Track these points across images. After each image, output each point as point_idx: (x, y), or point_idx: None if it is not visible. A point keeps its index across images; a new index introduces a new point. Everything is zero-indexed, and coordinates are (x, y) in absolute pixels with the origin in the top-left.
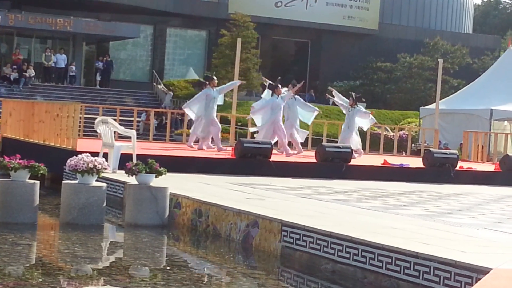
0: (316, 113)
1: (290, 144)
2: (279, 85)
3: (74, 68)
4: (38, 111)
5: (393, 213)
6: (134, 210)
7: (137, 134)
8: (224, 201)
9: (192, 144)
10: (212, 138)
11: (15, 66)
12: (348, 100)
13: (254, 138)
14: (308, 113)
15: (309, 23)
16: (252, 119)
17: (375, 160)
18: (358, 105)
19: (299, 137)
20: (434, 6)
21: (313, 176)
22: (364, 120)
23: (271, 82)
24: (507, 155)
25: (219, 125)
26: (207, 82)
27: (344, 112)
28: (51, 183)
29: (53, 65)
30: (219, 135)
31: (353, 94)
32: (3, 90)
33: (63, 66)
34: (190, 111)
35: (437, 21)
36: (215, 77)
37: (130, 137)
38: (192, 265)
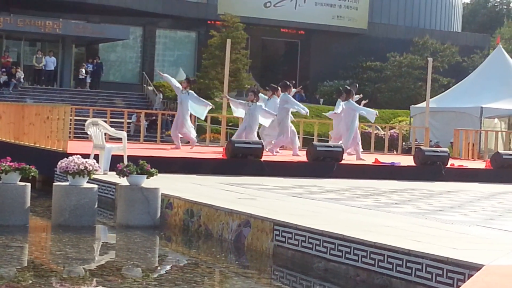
0: (209, 107)
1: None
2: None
3: (84, 71)
4: (28, 114)
5: (384, 211)
6: (126, 211)
7: (128, 136)
8: (215, 201)
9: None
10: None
11: (4, 69)
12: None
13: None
14: (200, 108)
15: (298, 23)
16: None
17: (366, 158)
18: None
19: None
20: (423, 5)
21: (305, 175)
22: (267, 120)
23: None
24: (498, 152)
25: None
26: (278, 88)
27: (243, 109)
28: (42, 185)
29: (42, 67)
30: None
31: (253, 87)
32: None
33: (53, 68)
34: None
35: (426, 20)
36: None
37: (120, 139)
38: (185, 265)
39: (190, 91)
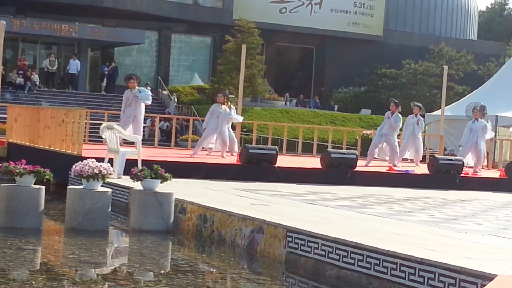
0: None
1: None
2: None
3: (149, 88)
4: (43, 117)
5: (398, 219)
6: (139, 216)
7: (142, 140)
8: (229, 207)
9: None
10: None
11: (21, 72)
12: None
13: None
14: None
15: (314, 29)
16: None
17: (380, 166)
18: None
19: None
20: (438, 13)
21: (318, 182)
22: None
23: None
24: None
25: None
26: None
27: None
28: (56, 188)
29: (55, 70)
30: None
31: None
32: (9, 96)
33: (75, 72)
34: None
35: (441, 28)
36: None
37: (135, 143)
38: (197, 271)
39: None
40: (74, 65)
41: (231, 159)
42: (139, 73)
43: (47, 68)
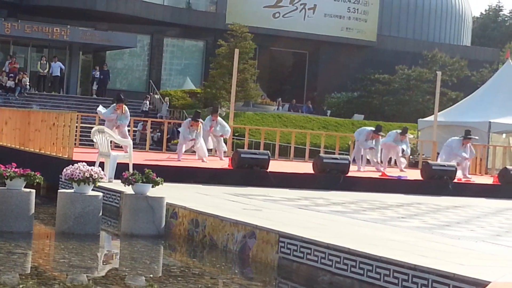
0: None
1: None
2: None
3: (148, 103)
4: (34, 120)
5: (391, 225)
6: (131, 220)
7: (134, 144)
8: (221, 212)
9: None
10: None
11: (12, 75)
12: None
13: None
14: None
15: (307, 34)
16: None
17: (373, 172)
18: None
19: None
20: (432, 19)
21: (311, 187)
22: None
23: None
24: (506, 168)
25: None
26: None
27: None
28: (47, 192)
29: (47, 74)
30: None
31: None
32: None
33: (58, 74)
34: None
35: (435, 34)
36: None
37: (125, 146)
38: (188, 276)
39: None
40: (56, 67)
41: (223, 163)
42: (131, 77)
43: (38, 72)
